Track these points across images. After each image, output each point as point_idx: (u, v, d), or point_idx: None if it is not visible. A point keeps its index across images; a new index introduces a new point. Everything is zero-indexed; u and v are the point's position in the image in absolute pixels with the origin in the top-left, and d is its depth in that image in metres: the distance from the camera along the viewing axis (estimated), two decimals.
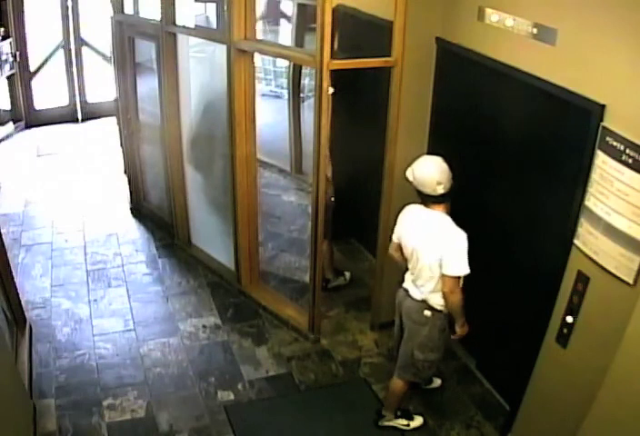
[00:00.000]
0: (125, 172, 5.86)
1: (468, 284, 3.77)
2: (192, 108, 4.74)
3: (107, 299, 4.64)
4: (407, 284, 3.21)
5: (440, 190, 2.93)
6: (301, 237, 5.07)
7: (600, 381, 2.49)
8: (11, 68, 7.38)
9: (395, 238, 3.23)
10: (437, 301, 3.07)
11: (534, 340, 3.05)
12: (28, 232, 5.57)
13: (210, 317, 4.45)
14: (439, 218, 2.99)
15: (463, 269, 2.94)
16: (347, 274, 4.79)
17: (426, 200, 3.00)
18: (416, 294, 3.14)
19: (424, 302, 3.11)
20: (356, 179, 4.59)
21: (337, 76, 3.47)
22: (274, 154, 6.17)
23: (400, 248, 3.20)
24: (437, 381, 3.79)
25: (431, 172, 2.93)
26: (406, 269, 3.22)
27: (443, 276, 2.96)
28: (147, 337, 4.24)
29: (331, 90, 3.45)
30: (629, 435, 2.40)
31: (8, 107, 7.71)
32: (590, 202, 2.59)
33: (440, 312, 3.10)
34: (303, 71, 5.98)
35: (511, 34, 2.93)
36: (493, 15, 3.05)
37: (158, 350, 4.12)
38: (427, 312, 3.11)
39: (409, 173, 3.02)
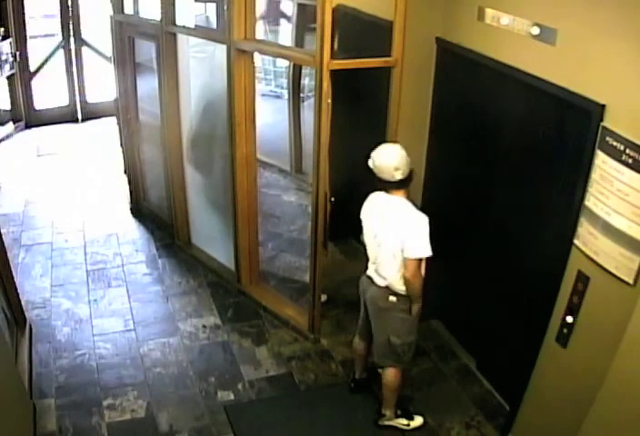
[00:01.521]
0: (125, 172, 5.86)
1: (469, 284, 3.78)
2: (192, 108, 4.74)
3: (107, 299, 4.64)
4: (370, 272, 3.25)
5: (398, 175, 2.97)
6: (301, 237, 5.07)
7: (600, 381, 2.49)
8: (11, 68, 7.38)
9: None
10: (401, 286, 3.10)
11: (534, 340, 3.05)
12: (28, 232, 5.57)
13: (210, 317, 4.45)
14: (399, 203, 3.04)
15: (424, 251, 2.96)
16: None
17: (386, 186, 3.05)
18: (380, 282, 3.17)
19: (388, 288, 3.14)
20: (356, 179, 4.59)
21: (337, 76, 3.47)
22: (274, 154, 6.17)
23: None
24: (419, 420, 3.57)
25: (388, 158, 2.98)
26: (367, 257, 3.25)
27: (405, 259, 2.99)
28: (147, 337, 4.24)
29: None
30: (630, 435, 2.41)
31: (8, 107, 7.72)
32: (590, 202, 2.59)
33: (405, 296, 3.12)
34: (303, 71, 5.98)
35: (511, 34, 2.93)
36: (493, 15, 3.05)
37: (158, 350, 4.12)
38: (392, 298, 3.14)
39: (370, 162, 3.06)
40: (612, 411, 2.49)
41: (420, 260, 3.01)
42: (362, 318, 3.48)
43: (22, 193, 6.27)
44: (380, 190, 3.12)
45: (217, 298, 4.67)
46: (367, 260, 3.27)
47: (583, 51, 2.54)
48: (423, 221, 2.96)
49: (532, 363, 3.10)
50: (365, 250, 3.28)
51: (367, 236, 3.21)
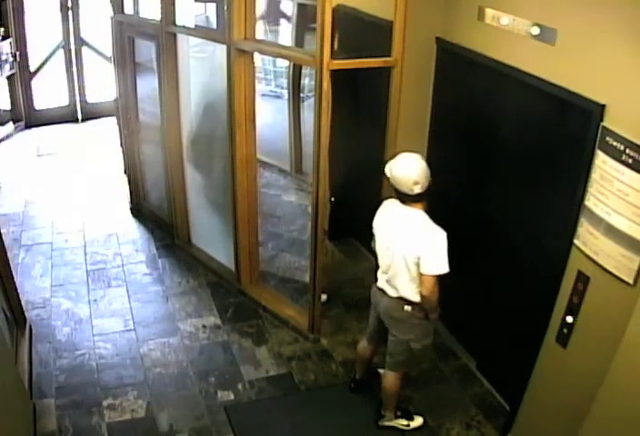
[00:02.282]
0: (125, 172, 5.86)
1: (468, 284, 3.77)
2: (192, 108, 4.73)
3: (107, 299, 4.64)
4: (382, 284, 3.18)
5: (417, 189, 2.88)
6: (301, 237, 5.07)
7: (600, 380, 2.49)
8: (11, 68, 7.37)
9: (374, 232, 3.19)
10: (415, 296, 3.05)
11: (534, 340, 3.05)
12: (28, 232, 5.57)
13: (210, 317, 4.45)
14: (417, 216, 2.94)
15: (442, 268, 2.89)
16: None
17: (404, 198, 2.95)
18: (392, 293, 3.12)
19: (401, 298, 3.09)
20: (356, 179, 4.59)
21: (337, 76, 3.47)
22: (274, 154, 6.16)
23: None
24: (419, 420, 3.57)
25: (407, 171, 2.87)
26: (377, 266, 3.20)
27: (421, 275, 2.93)
28: (147, 337, 4.24)
29: None
30: (630, 435, 2.40)
31: (8, 107, 7.71)
32: (590, 202, 2.59)
33: (420, 304, 3.07)
34: (303, 71, 5.97)
35: (511, 34, 2.94)
36: (493, 15, 3.05)
37: (158, 350, 4.12)
38: (407, 307, 3.09)
39: (387, 170, 2.96)
40: (612, 411, 2.49)
41: (436, 276, 2.93)
42: (372, 325, 3.43)
43: (22, 193, 6.27)
44: (396, 198, 3.02)
45: (217, 298, 4.67)
46: (377, 268, 3.20)
47: (583, 51, 2.54)
48: (441, 236, 2.87)
49: (532, 363, 3.10)
50: (376, 258, 3.19)
51: (379, 246, 3.13)
